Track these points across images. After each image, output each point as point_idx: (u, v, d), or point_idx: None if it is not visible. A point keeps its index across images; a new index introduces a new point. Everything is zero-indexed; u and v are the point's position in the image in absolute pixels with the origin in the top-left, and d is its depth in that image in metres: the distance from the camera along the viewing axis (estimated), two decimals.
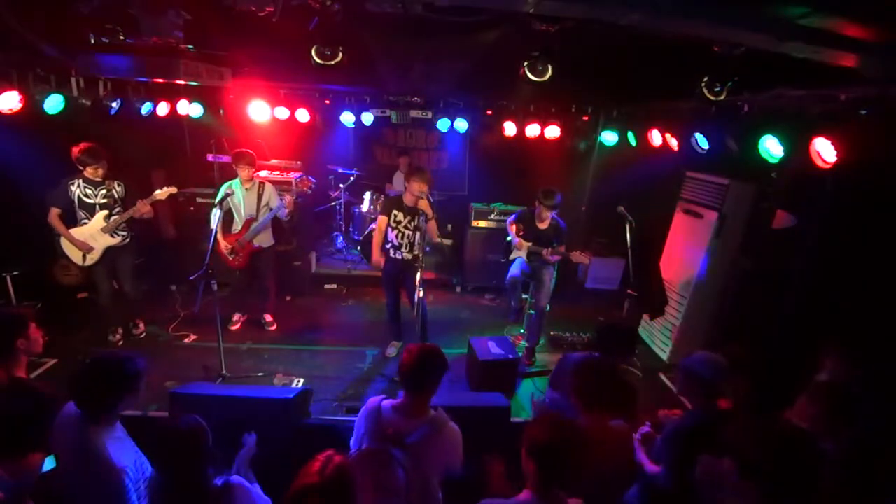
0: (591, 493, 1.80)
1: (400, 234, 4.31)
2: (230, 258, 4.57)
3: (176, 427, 1.81)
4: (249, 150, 4.51)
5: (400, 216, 4.27)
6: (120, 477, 1.86)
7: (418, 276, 4.06)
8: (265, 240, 4.74)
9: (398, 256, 4.35)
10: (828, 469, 1.74)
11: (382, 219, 4.35)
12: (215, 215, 4.24)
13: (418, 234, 4.18)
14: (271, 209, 4.60)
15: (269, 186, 4.68)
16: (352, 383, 4.25)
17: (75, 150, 3.97)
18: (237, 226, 4.55)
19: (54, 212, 4.08)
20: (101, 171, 4.08)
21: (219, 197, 4.34)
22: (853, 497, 2.01)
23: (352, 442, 2.19)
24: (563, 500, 1.73)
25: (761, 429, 1.70)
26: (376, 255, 4.40)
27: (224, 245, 4.50)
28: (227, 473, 1.88)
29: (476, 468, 2.17)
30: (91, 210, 4.15)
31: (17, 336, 2.26)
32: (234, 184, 4.51)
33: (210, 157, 6.34)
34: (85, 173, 4.06)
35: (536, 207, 4.59)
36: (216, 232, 4.12)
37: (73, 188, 4.08)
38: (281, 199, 4.66)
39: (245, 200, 4.52)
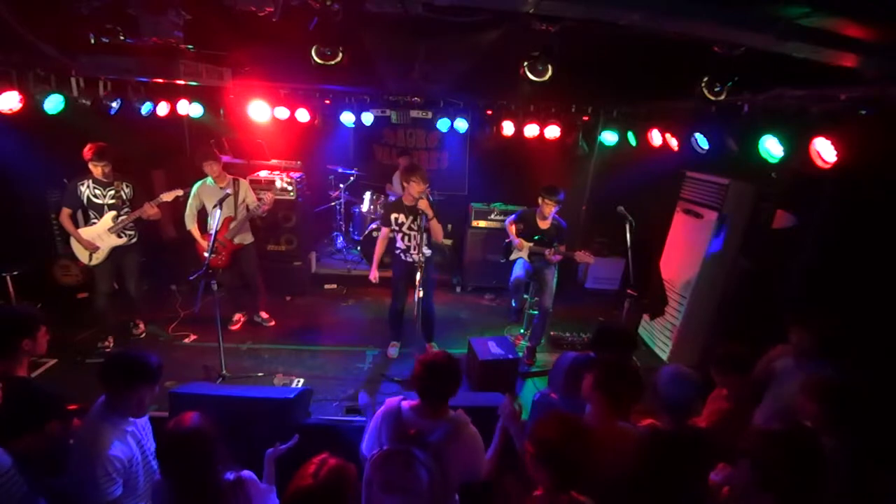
0: (600, 494, 1.80)
1: (405, 237, 4.30)
2: (212, 257, 4.54)
3: (181, 426, 1.77)
4: (213, 148, 4.52)
5: (401, 218, 4.26)
6: (104, 462, 1.88)
7: (418, 276, 4.06)
8: (245, 237, 4.75)
9: (409, 259, 4.35)
10: (830, 468, 1.73)
11: (384, 230, 4.37)
12: (216, 216, 4.23)
13: (424, 235, 4.17)
14: (248, 206, 4.60)
15: (244, 183, 4.68)
16: (352, 384, 4.25)
17: (85, 149, 4.00)
18: (211, 226, 4.49)
19: (66, 212, 4.13)
20: (100, 170, 4.08)
21: (193, 193, 4.43)
22: (854, 496, 2.01)
23: (364, 444, 2.14)
24: (575, 499, 1.72)
25: (779, 437, 1.69)
26: (374, 273, 4.48)
27: (206, 245, 4.46)
28: (236, 468, 1.87)
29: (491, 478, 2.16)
30: (100, 210, 4.19)
31: (24, 336, 2.21)
32: (209, 182, 4.51)
33: None
34: (92, 172, 4.08)
35: (538, 206, 4.59)
36: (215, 232, 4.12)
37: (82, 188, 4.11)
38: (261, 197, 4.69)
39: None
